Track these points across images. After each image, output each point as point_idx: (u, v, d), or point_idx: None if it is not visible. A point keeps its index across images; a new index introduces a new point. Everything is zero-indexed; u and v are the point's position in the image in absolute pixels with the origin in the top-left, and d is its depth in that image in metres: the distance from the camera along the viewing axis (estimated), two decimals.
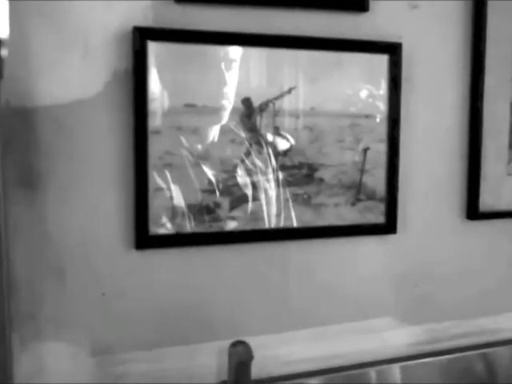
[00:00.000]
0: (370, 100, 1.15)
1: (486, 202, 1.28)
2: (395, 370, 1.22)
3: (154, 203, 1.02)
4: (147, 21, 0.99)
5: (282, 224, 1.11)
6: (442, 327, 1.29)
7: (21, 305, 0.98)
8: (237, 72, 1.05)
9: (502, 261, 1.33)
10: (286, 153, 1.10)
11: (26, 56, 0.93)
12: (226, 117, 1.05)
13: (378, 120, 1.16)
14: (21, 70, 0.93)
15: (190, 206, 1.04)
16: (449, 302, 1.29)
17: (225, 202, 1.07)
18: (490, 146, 1.28)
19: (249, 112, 1.07)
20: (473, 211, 1.27)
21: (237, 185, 1.07)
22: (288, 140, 1.10)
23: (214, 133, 1.05)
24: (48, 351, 1.00)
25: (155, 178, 1.01)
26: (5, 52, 0.58)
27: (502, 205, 1.30)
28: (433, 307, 1.28)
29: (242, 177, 1.08)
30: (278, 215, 1.11)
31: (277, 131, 1.09)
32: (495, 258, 1.32)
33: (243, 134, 1.07)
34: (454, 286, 1.29)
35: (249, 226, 1.09)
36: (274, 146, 1.09)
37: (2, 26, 0.50)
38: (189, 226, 1.05)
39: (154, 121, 1.00)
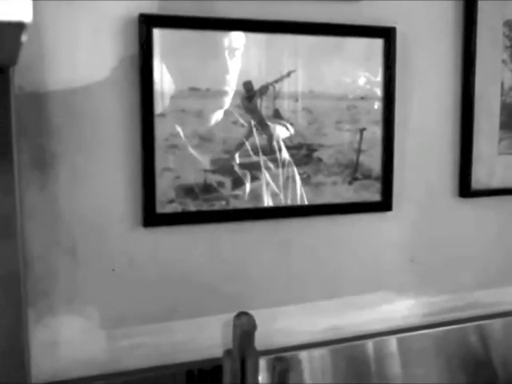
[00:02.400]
0: (366, 83, 1.19)
1: (478, 180, 1.32)
2: (392, 341, 1.26)
3: (161, 183, 1.06)
4: (153, 8, 1.03)
5: (282, 202, 1.16)
6: (437, 301, 1.33)
7: (36, 282, 1.02)
8: (239, 56, 1.09)
9: (494, 236, 1.37)
10: (285, 134, 1.14)
11: (39, 43, 0.97)
12: (228, 100, 1.09)
13: (373, 102, 1.20)
14: (33, 56, 0.97)
15: (194, 186, 1.09)
16: (443, 277, 1.33)
17: (227, 182, 1.11)
18: (482, 126, 1.31)
19: (250, 95, 1.11)
20: (465, 189, 1.31)
21: (238, 165, 1.12)
22: (287, 128, 1.14)
23: (216, 115, 1.09)
24: (61, 325, 1.05)
25: (161, 159, 1.05)
26: (25, 37, 0.61)
27: (493, 183, 1.34)
28: (428, 282, 1.32)
29: (243, 157, 1.12)
30: (279, 194, 1.15)
31: (277, 113, 1.13)
32: (487, 234, 1.36)
33: (244, 116, 1.11)
34: (448, 262, 1.33)
35: (250, 205, 1.13)
36: (274, 128, 1.13)
37: (26, 9, 0.53)
38: (193, 205, 1.09)
39: (160, 104, 1.04)
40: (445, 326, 1.32)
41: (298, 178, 1.16)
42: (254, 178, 1.13)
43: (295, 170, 1.16)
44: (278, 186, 1.15)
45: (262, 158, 1.13)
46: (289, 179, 1.15)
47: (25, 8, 0.53)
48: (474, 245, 1.35)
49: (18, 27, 0.57)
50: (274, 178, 1.15)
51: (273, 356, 1.12)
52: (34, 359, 1.03)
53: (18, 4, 0.52)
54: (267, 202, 1.14)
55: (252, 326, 1.01)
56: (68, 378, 1.05)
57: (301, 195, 1.17)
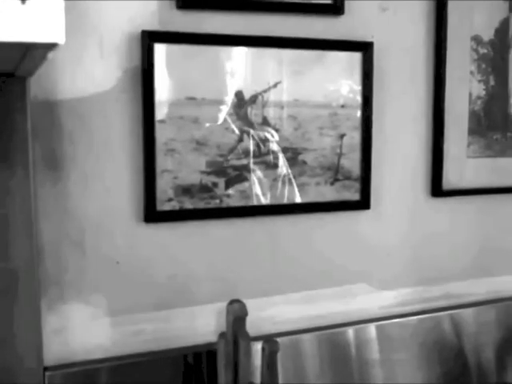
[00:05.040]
0: (346, 92, 1.30)
1: (449, 181, 1.42)
2: (371, 328, 1.36)
3: (160, 183, 1.16)
4: (154, 24, 1.13)
5: (269, 201, 1.26)
6: (412, 292, 1.43)
7: (47, 272, 1.11)
8: (231, 69, 1.19)
9: (463, 232, 1.47)
10: (273, 138, 1.25)
11: (51, 55, 1.07)
12: (221, 108, 1.19)
13: (353, 110, 1.30)
14: (46, 67, 1.07)
15: (191, 186, 1.19)
16: (418, 270, 1.43)
17: (221, 182, 1.22)
18: (452, 132, 1.41)
19: (241, 103, 1.22)
20: (437, 189, 1.41)
21: (231, 167, 1.22)
22: (274, 134, 1.25)
23: (211, 122, 1.19)
24: (70, 312, 1.14)
25: (161, 161, 1.16)
26: (51, 55, 0.71)
27: (462, 184, 1.44)
28: (403, 274, 1.42)
29: (235, 160, 1.22)
30: (267, 193, 1.26)
31: (265, 120, 1.24)
32: (457, 230, 1.47)
33: (236, 123, 1.22)
34: (422, 256, 1.43)
35: (241, 203, 1.23)
36: (262, 133, 1.24)
37: (59, 29, 0.62)
38: (190, 203, 1.19)
39: (160, 111, 1.14)
40: (419, 315, 1.42)
41: (284, 179, 1.27)
42: (245, 179, 1.23)
43: (282, 171, 1.26)
44: (265, 186, 1.25)
45: (251, 161, 1.24)
46: (275, 180, 1.26)
47: (57, 28, 0.62)
48: (445, 240, 1.46)
49: (51, 47, 0.66)
50: (263, 178, 1.25)
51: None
52: (45, 343, 1.12)
53: (51, 23, 0.61)
54: (256, 200, 1.25)
55: (243, 312, 1.11)
56: (76, 360, 1.15)
57: (287, 194, 1.27)
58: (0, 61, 0.83)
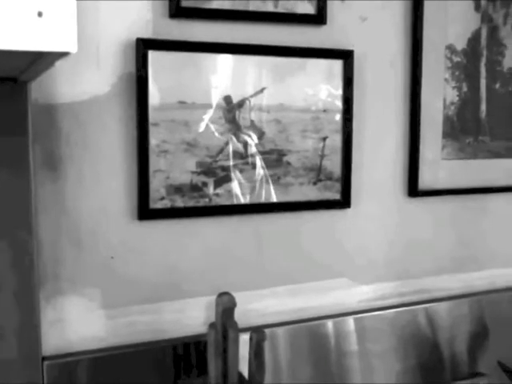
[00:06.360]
0: (328, 98, 1.36)
1: (424, 182, 1.49)
2: (349, 321, 1.42)
3: (154, 182, 1.22)
4: (148, 33, 1.19)
5: (255, 200, 1.33)
6: (389, 286, 1.50)
7: (46, 266, 1.16)
8: (219, 75, 1.26)
9: (437, 230, 1.55)
10: (259, 141, 1.32)
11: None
12: (211, 112, 1.26)
13: (334, 114, 1.37)
14: (46, 73, 1.12)
15: (182, 185, 1.25)
16: (395, 265, 1.50)
17: (210, 182, 1.28)
18: (427, 135, 1.48)
19: (229, 108, 1.28)
20: (413, 189, 1.48)
21: (219, 167, 1.29)
22: (261, 136, 1.31)
23: (201, 125, 1.25)
24: (67, 305, 1.19)
25: (154, 162, 1.22)
26: (58, 62, 0.77)
27: (437, 185, 1.51)
28: (381, 269, 1.49)
29: (223, 161, 1.29)
30: (254, 192, 1.33)
31: (252, 123, 1.31)
32: (431, 228, 1.54)
33: (225, 126, 1.28)
34: (399, 252, 1.51)
35: (229, 202, 1.30)
36: (249, 135, 1.31)
37: (71, 38, 0.66)
38: (181, 201, 1.25)
39: (153, 115, 1.20)
40: (396, 309, 1.49)
41: (269, 179, 1.34)
42: (232, 179, 1.30)
43: (267, 172, 1.33)
44: (252, 185, 1.32)
45: (239, 162, 1.30)
46: (262, 180, 1.33)
47: (71, 38, 0.67)
48: (421, 238, 1.53)
49: (63, 55, 0.72)
50: (249, 178, 1.32)
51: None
52: (43, 334, 1.17)
53: (65, 34, 0.66)
54: (243, 199, 1.31)
55: (232, 304, 1.17)
56: (73, 351, 1.20)
57: (272, 194, 1.34)
58: (9, 68, 0.89)
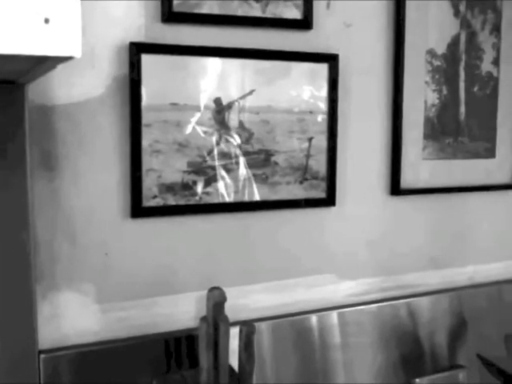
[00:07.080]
0: (314, 100, 1.41)
1: (406, 181, 1.54)
2: (333, 315, 1.47)
3: (146, 181, 1.26)
4: (140, 37, 1.24)
5: (245, 198, 1.37)
6: (372, 282, 1.55)
7: (42, 263, 1.20)
8: (210, 77, 1.30)
9: (418, 228, 1.60)
10: (247, 141, 1.37)
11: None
12: (201, 113, 1.30)
13: (320, 115, 1.42)
14: (43, 75, 1.16)
15: (173, 184, 1.29)
16: (378, 262, 1.55)
17: (200, 181, 1.32)
18: (409, 136, 1.53)
19: (219, 109, 1.33)
20: (395, 188, 1.53)
21: (209, 167, 1.33)
22: (249, 137, 1.36)
23: (192, 126, 1.30)
24: (62, 300, 1.22)
25: (147, 162, 1.25)
26: (60, 66, 0.80)
27: (419, 184, 1.56)
28: (365, 265, 1.54)
29: (213, 161, 1.33)
30: (242, 191, 1.37)
31: (241, 124, 1.35)
32: (413, 226, 1.59)
33: (215, 127, 1.32)
34: (381, 248, 1.56)
35: (218, 200, 1.34)
36: (238, 136, 1.35)
37: (76, 43, 0.68)
38: (173, 200, 1.29)
39: (146, 116, 1.24)
40: (378, 303, 1.53)
41: (256, 178, 1.38)
42: (222, 178, 1.35)
43: (255, 171, 1.38)
44: (241, 184, 1.36)
45: (228, 162, 1.35)
46: (250, 179, 1.37)
47: (75, 43, 0.71)
48: (402, 235, 1.58)
49: (68, 60, 0.76)
50: (238, 178, 1.36)
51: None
52: (40, 329, 1.20)
53: (70, 39, 0.69)
54: (232, 197, 1.36)
55: (223, 298, 1.21)
56: (68, 344, 1.24)
57: (260, 192, 1.39)
58: (11, 71, 0.93)
